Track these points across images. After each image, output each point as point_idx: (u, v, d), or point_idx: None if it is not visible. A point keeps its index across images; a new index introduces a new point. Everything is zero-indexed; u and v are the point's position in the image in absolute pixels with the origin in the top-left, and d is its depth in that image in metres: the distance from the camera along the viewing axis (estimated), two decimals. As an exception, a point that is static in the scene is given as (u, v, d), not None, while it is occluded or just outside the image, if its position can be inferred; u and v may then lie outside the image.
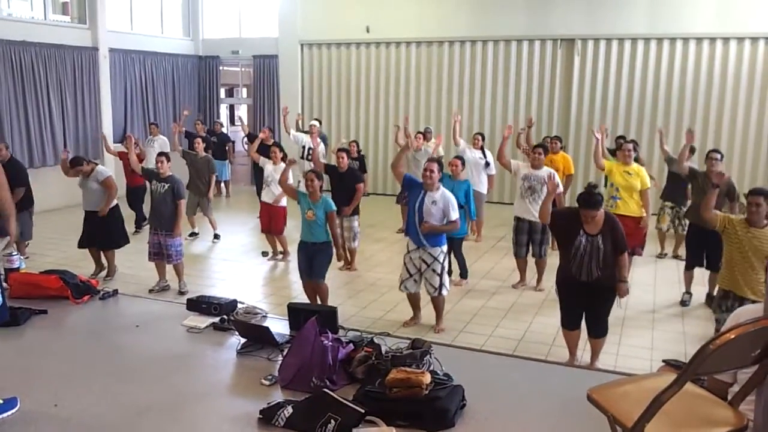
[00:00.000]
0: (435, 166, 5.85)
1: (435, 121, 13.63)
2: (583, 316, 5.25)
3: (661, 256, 9.07)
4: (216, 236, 9.78)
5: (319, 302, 6.39)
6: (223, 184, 13.85)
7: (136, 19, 14.22)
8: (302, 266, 6.31)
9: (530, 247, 7.52)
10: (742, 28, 11.36)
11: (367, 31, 13.75)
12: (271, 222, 8.58)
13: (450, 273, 7.81)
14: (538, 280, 7.62)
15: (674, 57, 11.97)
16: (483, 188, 9.50)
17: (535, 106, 12.97)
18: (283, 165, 8.62)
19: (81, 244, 7.72)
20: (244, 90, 17.98)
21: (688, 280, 7.24)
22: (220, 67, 15.70)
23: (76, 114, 12.35)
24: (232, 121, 20.97)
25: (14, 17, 11.58)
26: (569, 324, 5.33)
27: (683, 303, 7.19)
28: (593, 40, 12.38)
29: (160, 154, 7.24)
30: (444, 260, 6.00)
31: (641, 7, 11.97)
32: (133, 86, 13.71)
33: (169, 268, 7.24)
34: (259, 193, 11.18)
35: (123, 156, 10.26)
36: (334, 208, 6.27)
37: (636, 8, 11.98)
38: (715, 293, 6.00)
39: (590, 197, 4.85)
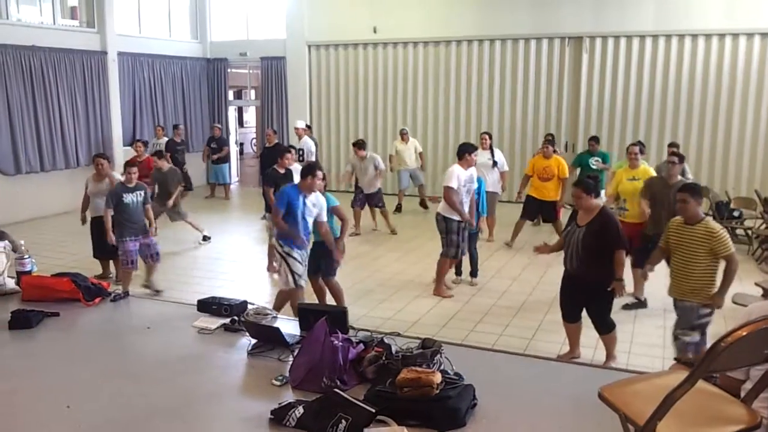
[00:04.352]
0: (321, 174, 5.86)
1: (443, 121, 13.64)
2: (585, 312, 5.35)
3: None
4: (205, 237, 9.81)
5: (333, 301, 6.38)
6: (224, 187, 14.18)
7: (144, 23, 14.31)
8: (308, 266, 6.27)
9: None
10: (751, 23, 11.29)
11: (374, 31, 13.76)
12: None
13: (460, 273, 7.83)
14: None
15: (683, 54, 11.91)
16: (495, 188, 9.50)
17: (543, 104, 12.94)
18: (297, 165, 8.65)
19: (96, 254, 7.79)
20: (252, 92, 18.04)
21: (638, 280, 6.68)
22: (228, 69, 15.76)
23: (87, 117, 12.43)
24: (240, 123, 21.06)
25: (23, 22, 11.67)
26: (566, 316, 5.47)
27: (627, 306, 6.75)
28: (601, 37, 12.34)
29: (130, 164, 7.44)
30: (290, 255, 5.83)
31: (649, 3, 11.91)
32: (142, 89, 13.80)
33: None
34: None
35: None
36: (337, 203, 6.30)
37: (644, 5, 11.92)
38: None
39: (582, 179, 5.71)
